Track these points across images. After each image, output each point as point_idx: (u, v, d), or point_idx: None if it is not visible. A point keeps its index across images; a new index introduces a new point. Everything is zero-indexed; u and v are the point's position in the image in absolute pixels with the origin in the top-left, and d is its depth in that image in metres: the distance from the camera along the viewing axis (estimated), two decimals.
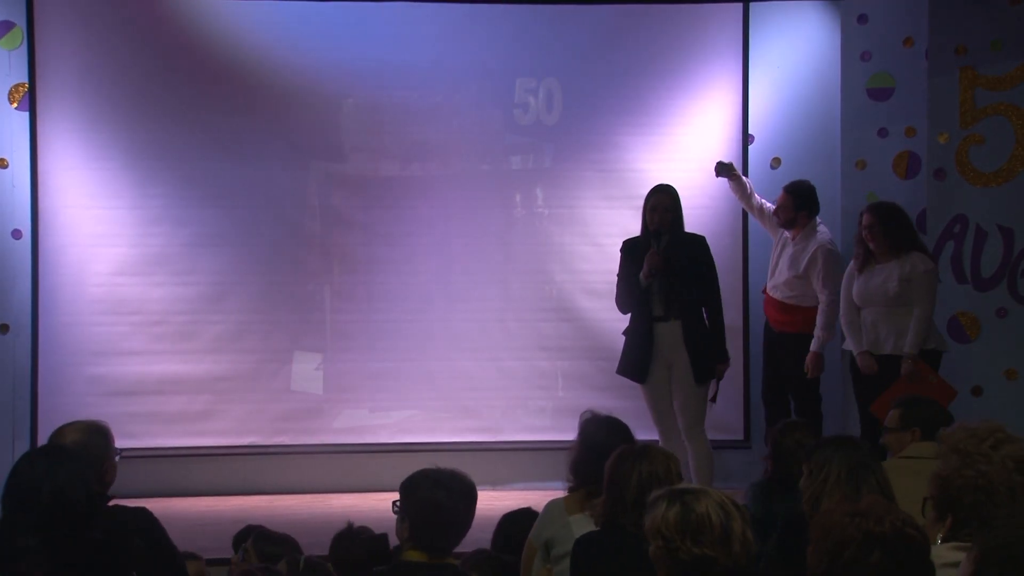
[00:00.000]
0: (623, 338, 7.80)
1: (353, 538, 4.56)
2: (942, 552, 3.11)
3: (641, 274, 6.55)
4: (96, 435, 4.21)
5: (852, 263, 6.85)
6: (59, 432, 4.31)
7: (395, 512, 3.70)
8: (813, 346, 7.04)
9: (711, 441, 7.77)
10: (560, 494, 4.76)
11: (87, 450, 4.18)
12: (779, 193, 7.24)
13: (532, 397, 7.85)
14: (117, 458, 4.32)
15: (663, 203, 6.63)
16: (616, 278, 6.78)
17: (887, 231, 6.63)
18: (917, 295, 6.58)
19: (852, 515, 2.56)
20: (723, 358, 6.76)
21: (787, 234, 7.22)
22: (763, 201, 7.41)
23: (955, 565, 2.92)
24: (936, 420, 4.63)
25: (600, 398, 7.30)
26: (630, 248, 6.75)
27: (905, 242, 6.65)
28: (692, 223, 7.78)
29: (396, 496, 3.72)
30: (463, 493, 3.71)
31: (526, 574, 4.50)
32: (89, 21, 7.54)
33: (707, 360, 6.65)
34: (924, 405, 4.91)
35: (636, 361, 6.71)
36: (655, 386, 6.70)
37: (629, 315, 6.77)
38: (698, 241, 6.77)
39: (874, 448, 6.10)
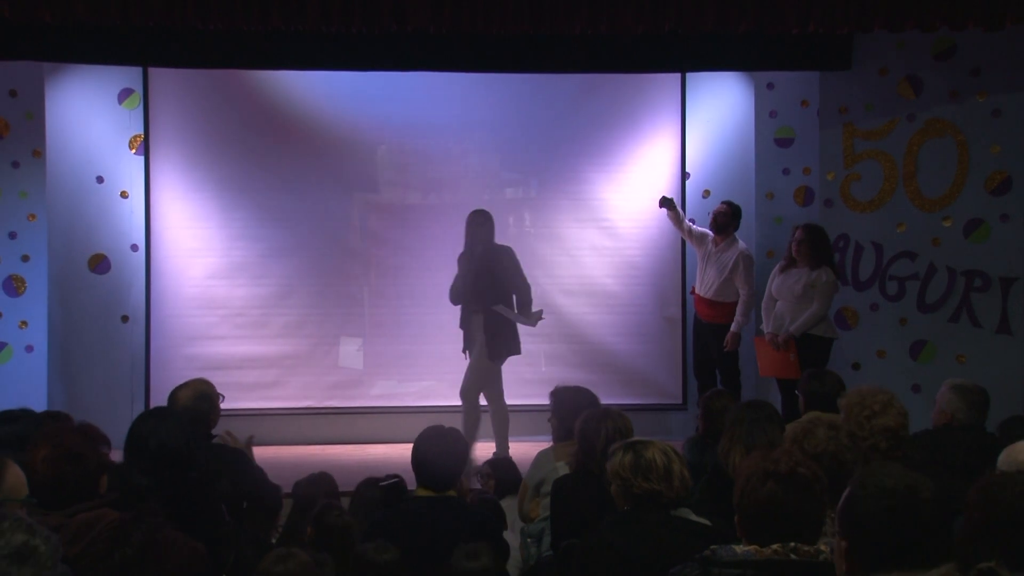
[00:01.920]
0: (590, 326, 7.88)
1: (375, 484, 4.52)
2: None
3: (456, 276, 6.72)
4: (200, 404, 4.40)
5: (778, 264, 6.88)
6: (174, 397, 4.45)
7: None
8: (733, 327, 7.05)
9: (655, 404, 7.85)
10: (544, 445, 4.79)
11: (199, 399, 4.34)
12: (715, 210, 7.20)
13: (521, 371, 7.75)
14: (221, 399, 4.52)
15: (473, 221, 6.67)
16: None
17: (811, 247, 6.64)
18: (817, 297, 6.61)
19: (760, 459, 2.61)
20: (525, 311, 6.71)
21: (711, 246, 7.21)
22: (691, 225, 7.43)
23: None
24: (817, 394, 4.55)
25: (573, 372, 7.37)
26: (460, 258, 6.82)
27: (821, 258, 6.64)
28: (640, 240, 7.87)
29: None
30: (454, 444, 3.76)
31: (521, 507, 4.53)
32: (189, 88, 7.54)
33: (501, 341, 6.61)
34: (817, 380, 4.74)
35: (465, 342, 6.76)
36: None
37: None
38: (503, 250, 6.73)
39: (789, 408, 6.19)
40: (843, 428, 3.24)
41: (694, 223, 7.52)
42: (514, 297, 6.70)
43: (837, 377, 4.82)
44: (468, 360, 6.78)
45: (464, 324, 6.77)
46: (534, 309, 6.74)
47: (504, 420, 6.73)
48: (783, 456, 2.59)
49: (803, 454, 3.03)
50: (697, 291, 7.34)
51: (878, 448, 3.58)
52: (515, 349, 6.74)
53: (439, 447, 3.70)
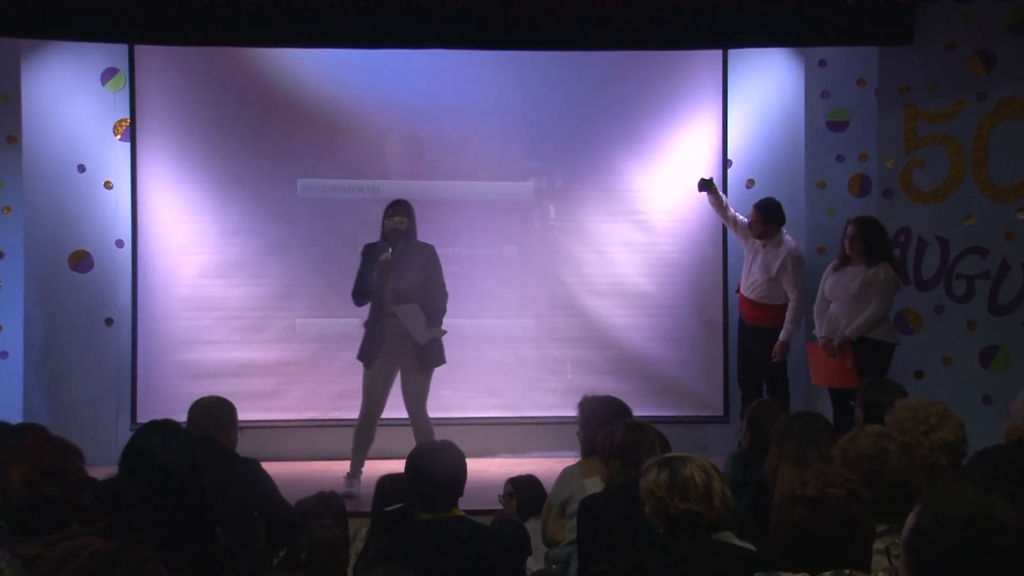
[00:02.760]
0: (621, 329, 7.86)
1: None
2: None
3: (375, 272, 6.47)
4: (224, 407, 4.72)
5: (832, 263, 6.85)
6: (198, 401, 4.73)
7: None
8: (782, 336, 7.06)
9: (693, 417, 7.81)
10: (570, 461, 4.79)
11: (221, 405, 4.70)
12: (748, 220, 7.23)
13: (545, 380, 7.83)
14: (239, 433, 4.73)
15: (399, 212, 6.55)
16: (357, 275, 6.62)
17: (864, 242, 6.62)
18: (875, 296, 6.58)
19: (790, 482, 2.61)
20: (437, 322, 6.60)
21: (758, 242, 7.22)
22: (736, 214, 7.41)
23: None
24: (879, 406, 4.55)
25: (602, 381, 7.35)
26: (368, 250, 6.64)
27: (878, 253, 6.62)
28: (677, 235, 7.86)
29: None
30: (449, 462, 3.74)
31: (545, 529, 4.53)
32: (180, 68, 7.59)
33: (434, 350, 6.56)
34: (876, 390, 4.77)
35: (368, 349, 6.60)
36: (377, 372, 6.58)
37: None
38: (428, 248, 6.65)
39: (842, 420, 6.16)
40: (896, 439, 3.23)
41: (738, 214, 7.50)
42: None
43: (898, 386, 4.80)
44: (371, 370, 6.59)
45: (374, 329, 6.61)
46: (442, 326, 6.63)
47: (431, 437, 6.65)
48: (813, 477, 2.60)
49: (847, 461, 3.04)
50: (742, 290, 7.32)
51: (939, 465, 3.57)
52: (441, 358, 6.68)
53: (433, 463, 3.69)
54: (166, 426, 3.76)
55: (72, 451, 3.23)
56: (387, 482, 4.62)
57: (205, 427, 4.61)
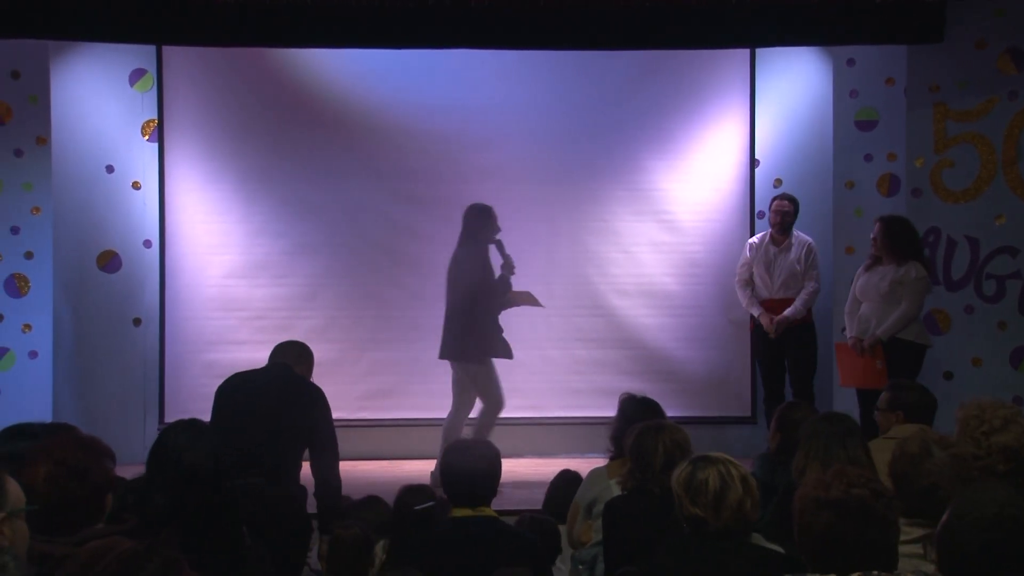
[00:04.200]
0: (648, 330, 7.82)
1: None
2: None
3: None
4: (307, 350, 5.34)
5: (864, 263, 6.83)
6: (284, 341, 5.33)
7: None
8: (787, 312, 7.13)
9: (720, 417, 7.81)
10: (598, 462, 4.79)
11: (299, 352, 5.30)
12: (781, 209, 7.21)
13: (571, 380, 7.82)
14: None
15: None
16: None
17: (890, 240, 6.59)
18: (906, 296, 6.54)
19: (812, 486, 2.60)
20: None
21: (773, 252, 7.23)
22: (748, 262, 7.37)
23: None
24: (918, 406, 4.55)
25: (628, 382, 7.28)
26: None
27: (906, 251, 6.59)
28: (704, 235, 7.84)
29: None
30: (483, 457, 3.75)
31: (571, 529, 4.53)
32: (207, 69, 7.64)
33: None
34: (910, 391, 4.77)
35: (494, 346, 6.88)
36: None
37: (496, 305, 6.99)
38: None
39: (869, 422, 6.13)
40: (953, 445, 3.23)
41: (762, 216, 7.52)
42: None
43: (920, 387, 4.82)
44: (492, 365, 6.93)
45: (497, 325, 6.94)
46: None
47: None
48: (835, 479, 2.60)
49: (895, 457, 3.04)
50: (765, 296, 7.30)
51: (995, 470, 3.50)
52: None
53: (466, 461, 3.71)
54: (192, 426, 3.77)
55: (100, 450, 3.23)
56: (404, 493, 4.64)
57: (286, 358, 5.20)
